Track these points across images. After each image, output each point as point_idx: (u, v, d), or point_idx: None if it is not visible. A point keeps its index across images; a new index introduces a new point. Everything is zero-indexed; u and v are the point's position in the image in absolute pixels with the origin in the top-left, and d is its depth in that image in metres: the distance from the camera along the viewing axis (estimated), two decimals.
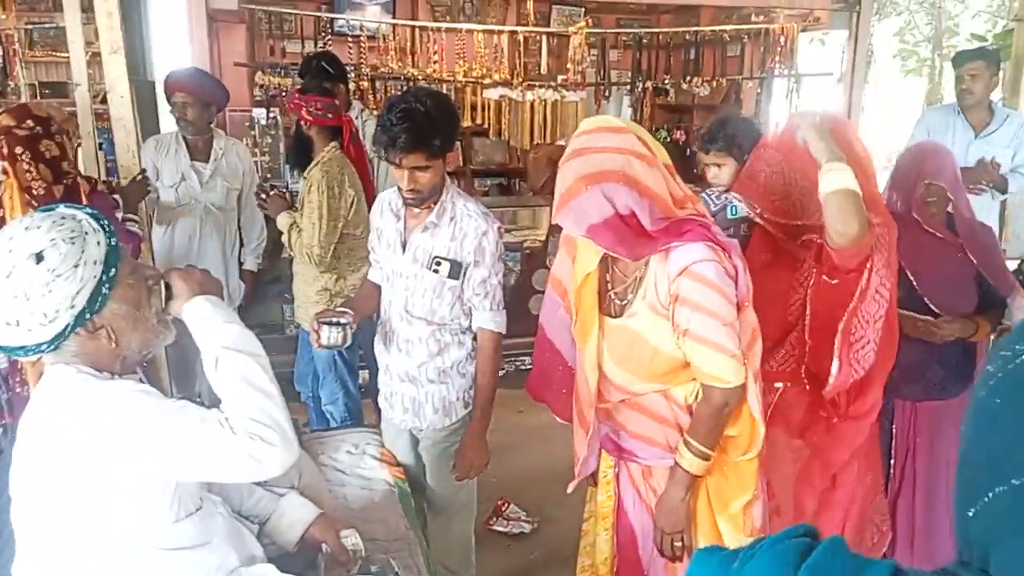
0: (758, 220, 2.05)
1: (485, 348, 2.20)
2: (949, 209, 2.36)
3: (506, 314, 2.22)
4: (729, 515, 1.78)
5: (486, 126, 5.06)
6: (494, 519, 3.28)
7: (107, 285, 1.33)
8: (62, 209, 1.37)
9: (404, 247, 2.19)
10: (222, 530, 1.55)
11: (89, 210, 1.39)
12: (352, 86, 4.77)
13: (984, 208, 3.91)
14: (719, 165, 2.55)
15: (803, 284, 1.99)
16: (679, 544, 1.77)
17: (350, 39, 4.94)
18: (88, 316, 1.33)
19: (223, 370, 1.42)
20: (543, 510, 3.29)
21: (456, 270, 2.13)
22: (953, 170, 2.37)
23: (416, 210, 2.16)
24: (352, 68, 4.80)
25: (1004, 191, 3.84)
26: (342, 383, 3.18)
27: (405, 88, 4.86)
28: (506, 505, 3.33)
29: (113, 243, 1.36)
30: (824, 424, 2.03)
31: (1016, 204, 4.57)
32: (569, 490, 1.92)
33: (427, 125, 1.98)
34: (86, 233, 1.33)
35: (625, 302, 1.73)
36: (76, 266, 1.29)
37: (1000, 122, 3.88)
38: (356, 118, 3.68)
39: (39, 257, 1.28)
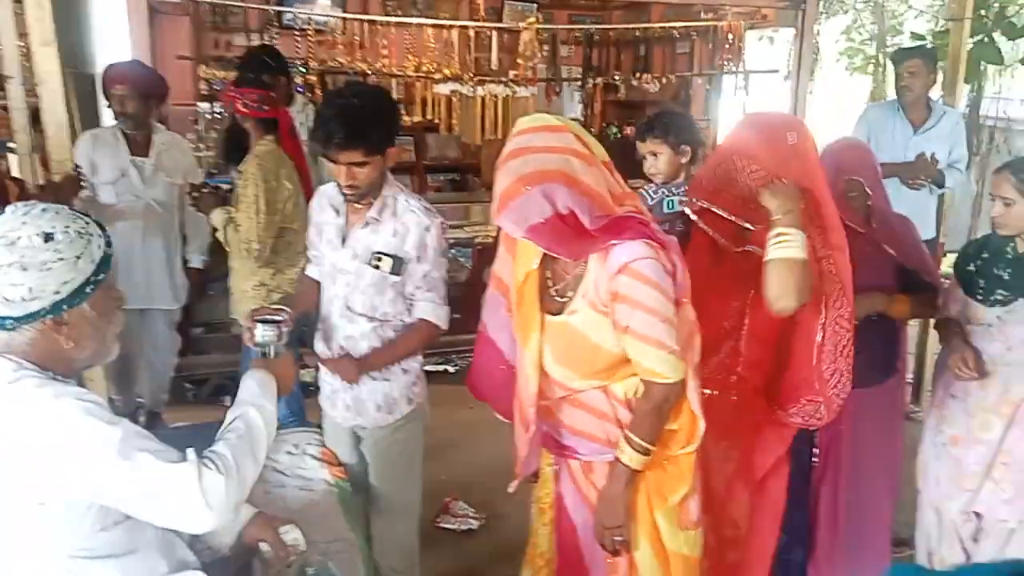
0: (703, 226, 2.04)
1: (419, 329, 2.17)
2: (869, 203, 2.40)
3: (449, 311, 2.19)
4: (667, 508, 1.80)
5: (437, 121, 5.04)
6: (441, 517, 3.27)
7: (92, 286, 1.37)
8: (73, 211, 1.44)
9: (344, 243, 2.16)
10: (151, 537, 1.51)
11: (95, 219, 1.46)
12: (300, 80, 4.73)
13: (923, 202, 4.02)
14: (655, 154, 2.57)
15: (742, 293, 2.00)
16: (619, 539, 1.78)
17: (298, 33, 4.88)
18: (64, 308, 1.35)
19: (245, 422, 1.55)
20: (492, 506, 3.28)
21: (398, 266, 2.11)
22: (872, 165, 2.42)
23: (357, 205, 2.13)
24: (300, 62, 4.74)
25: (942, 185, 3.94)
26: None
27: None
28: (454, 502, 3.32)
29: (109, 252, 1.42)
30: (750, 429, 2.05)
31: (953, 198, 4.69)
32: (510, 489, 1.91)
33: (364, 121, 1.95)
34: (92, 234, 1.39)
35: (565, 300, 1.73)
36: (79, 257, 1.35)
37: (937, 118, 3.98)
38: (300, 112, 3.63)
39: (48, 236, 1.33)
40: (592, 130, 5.76)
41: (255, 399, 1.61)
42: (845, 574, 2.66)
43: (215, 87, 4.67)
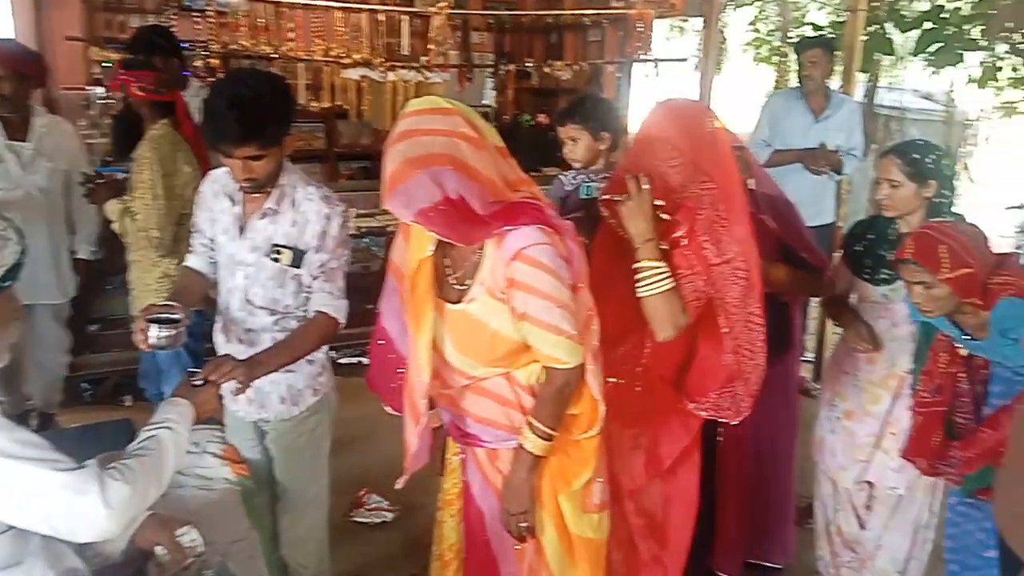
0: (610, 219, 2.03)
1: (315, 323, 2.06)
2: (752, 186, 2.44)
3: (347, 304, 2.12)
4: (570, 493, 1.81)
5: (347, 107, 4.93)
6: (355, 510, 3.22)
7: None
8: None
9: (243, 233, 2.07)
10: (36, 547, 1.45)
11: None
12: (200, 63, 4.54)
13: (822, 188, 4.19)
14: (574, 139, 2.56)
15: None
16: (524, 524, 1.79)
17: (197, 14, 4.67)
18: None
19: (157, 443, 1.53)
20: (407, 497, 3.23)
21: (299, 258, 2.04)
22: (743, 152, 2.44)
23: (255, 195, 2.04)
24: (201, 45, 4.55)
25: (840, 172, 4.10)
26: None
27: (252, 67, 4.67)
28: (367, 495, 3.27)
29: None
30: (656, 419, 2.07)
31: (851, 184, 4.90)
32: (398, 485, 1.87)
33: (258, 113, 1.85)
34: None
35: (464, 288, 1.71)
36: None
37: (837, 107, 4.14)
38: (195, 96, 3.48)
39: None
40: (505, 117, 5.78)
41: (170, 423, 1.58)
42: (751, 546, 2.76)
43: (109, 70, 4.43)
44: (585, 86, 5.89)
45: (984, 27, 4.63)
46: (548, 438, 1.73)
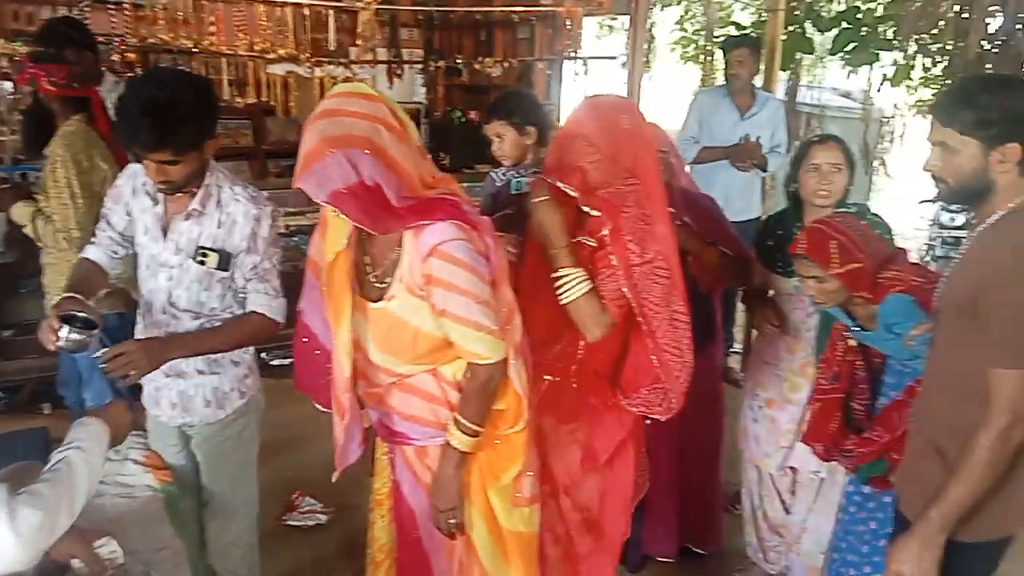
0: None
1: (249, 321, 2.01)
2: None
3: (285, 303, 2.06)
4: (500, 487, 1.81)
5: (273, 104, 4.83)
6: (287, 514, 3.17)
7: None
8: None
9: (166, 234, 2.00)
10: None
11: None
12: (117, 57, 4.38)
13: (748, 184, 4.29)
14: (499, 136, 2.55)
15: None
16: (453, 521, 1.78)
17: (112, 6, 4.50)
18: None
19: (68, 463, 1.48)
20: (342, 498, 3.21)
21: (225, 261, 1.98)
22: (670, 144, 2.52)
23: (177, 195, 1.97)
24: (116, 39, 4.39)
25: (765, 168, 4.21)
26: (110, 383, 2.90)
27: (174, 63, 4.54)
28: (300, 498, 3.22)
29: None
30: (592, 414, 2.09)
31: (775, 180, 5.04)
32: (334, 478, 1.86)
33: (174, 118, 1.76)
34: None
35: (384, 285, 1.69)
36: None
37: (761, 105, 4.26)
38: (110, 91, 3.35)
39: None
40: (436, 114, 5.75)
41: (80, 444, 1.52)
42: (683, 531, 2.81)
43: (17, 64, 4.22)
44: (516, 83, 5.92)
45: (896, 28, 4.84)
46: (474, 434, 1.72)
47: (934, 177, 1.67)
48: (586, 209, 1.90)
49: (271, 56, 4.69)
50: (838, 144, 2.40)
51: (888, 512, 2.15)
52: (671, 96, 9.60)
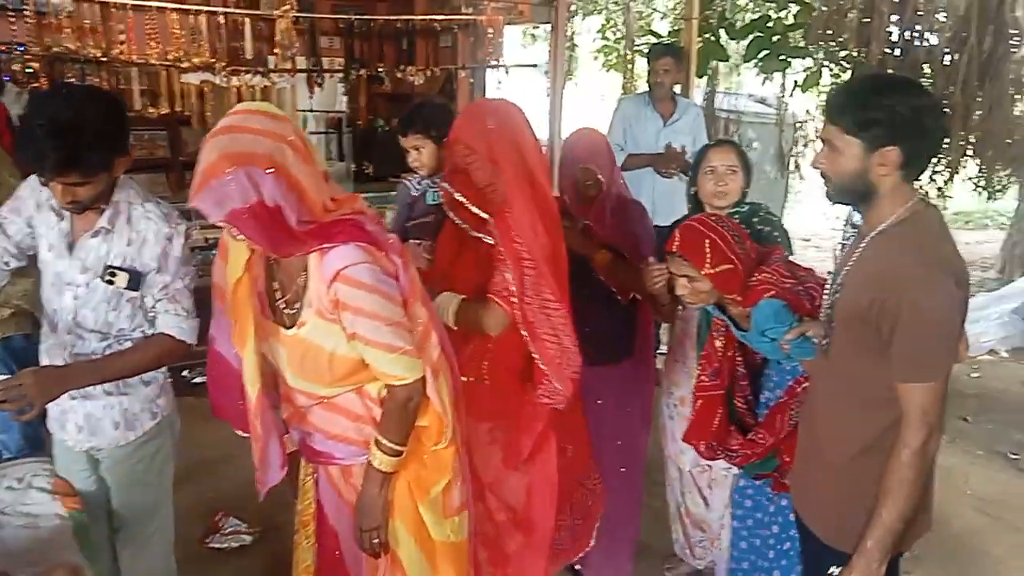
0: (448, 213, 2.06)
1: (158, 342, 1.95)
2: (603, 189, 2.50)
3: (197, 323, 2.00)
4: (429, 500, 1.78)
5: (188, 114, 4.70)
6: (210, 536, 3.07)
7: None
8: None
9: (72, 252, 1.91)
10: None
11: None
12: (18, 67, 4.19)
13: (673, 190, 4.38)
14: (418, 148, 2.56)
15: (483, 280, 2.03)
16: (376, 541, 1.75)
17: (12, 13, 4.30)
18: None
19: None
20: (267, 518, 3.13)
21: (135, 280, 1.90)
22: (607, 153, 2.55)
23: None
24: (18, 48, 4.20)
25: (687, 173, 4.29)
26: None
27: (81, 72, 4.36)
28: (223, 519, 3.12)
29: None
30: (508, 411, 2.10)
31: None
32: (260, 499, 1.81)
33: (80, 141, 1.69)
34: None
35: (294, 312, 1.65)
36: None
37: (682, 112, 4.36)
38: (13, 103, 3.20)
39: None
40: (359, 123, 5.69)
41: None
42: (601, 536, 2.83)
43: None
44: (439, 91, 5.91)
45: (804, 36, 5.03)
46: (396, 454, 1.70)
47: (822, 175, 1.66)
48: (475, 210, 1.96)
49: (185, 65, 4.56)
50: (733, 147, 2.46)
51: (787, 515, 2.19)
52: (594, 103, 9.78)
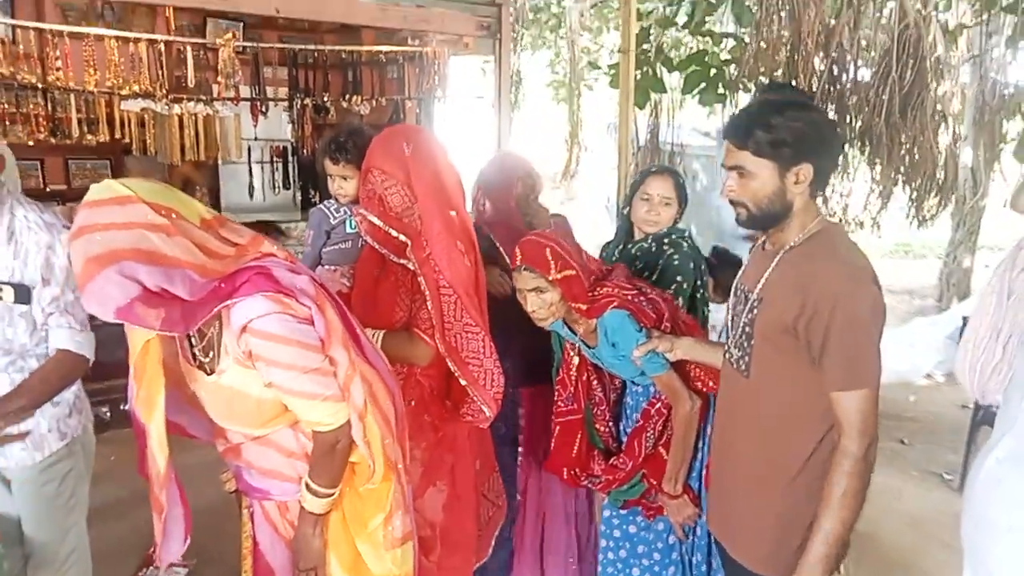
0: (367, 239, 2.05)
1: (58, 362, 1.91)
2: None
3: (93, 337, 1.97)
4: (367, 534, 1.74)
5: (128, 141, 4.65)
6: (144, 570, 3.00)
7: None
8: None
9: None
10: None
11: None
12: None
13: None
14: (345, 177, 2.54)
15: (405, 303, 2.04)
16: None
17: None
18: None
19: None
20: (203, 550, 3.05)
21: (24, 294, 1.87)
22: (529, 169, 2.58)
23: None
24: None
25: None
26: None
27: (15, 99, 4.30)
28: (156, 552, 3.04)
29: None
30: (430, 428, 2.10)
31: None
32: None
33: None
34: None
35: (212, 359, 1.61)
36: None
37: None
38: None
39: None
40: (305, 151, 5.69)
41: None
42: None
43: None
44: (388, 121, 5.95)
45: (738, 70, 5.21)
46: (328, 496, 1.66)
47: (732, 202, 1.64)
48: (394, 233, 1.96)
49: (124, 92, 4.52)
50: (672, 178, 2.50)
51: (665, 541, 2.21)
52: (540, 135, 9.95)
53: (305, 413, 1.59)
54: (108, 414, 4.24)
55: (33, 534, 2.05)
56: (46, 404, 1.96)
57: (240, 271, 1.51)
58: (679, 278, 2.39)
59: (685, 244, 2.49)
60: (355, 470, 1.71)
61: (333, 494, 1.67)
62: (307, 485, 1.66)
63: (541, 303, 2.01)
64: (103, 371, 3.96)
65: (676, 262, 2.41)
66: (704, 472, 2.14)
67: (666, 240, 2.47)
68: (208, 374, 1.62)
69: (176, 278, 1.42)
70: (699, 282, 2.48)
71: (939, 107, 4.98)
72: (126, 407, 4.28)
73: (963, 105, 6.18)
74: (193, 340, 1.64)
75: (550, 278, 1.97)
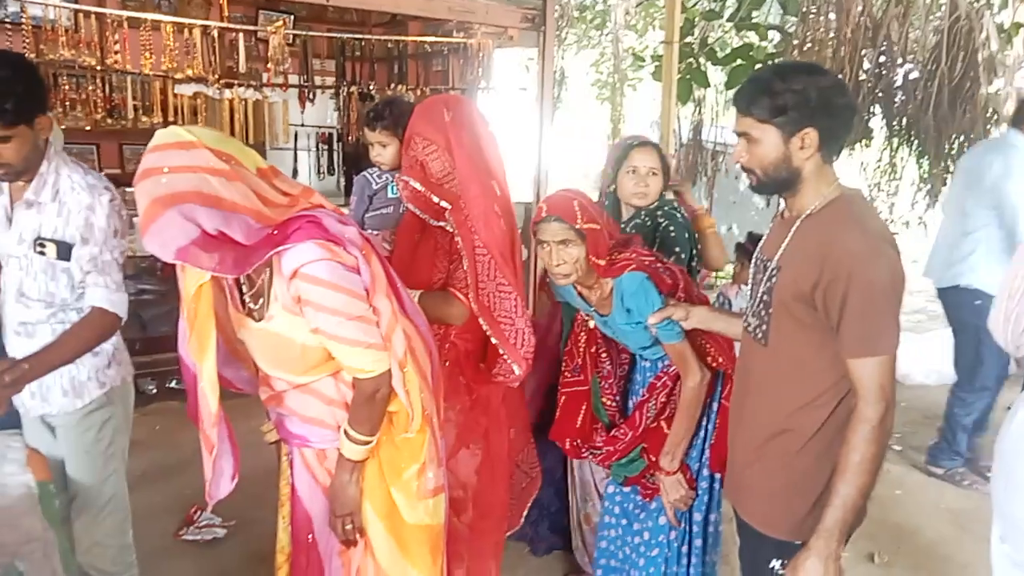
0: (408, 205, 2.11)
1: (90, 321, 1.99)
2: None
3: (127, 297, 2.05)
4: (402, 483, 1.78)
5: (181, 124, 4.79)
6: (184, 529, 3.09)
7: None
8: None
9: (12, 224, 1.98)
10: None
11: None
12: None
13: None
14: (383, 144, 2.63)
15: (444, 265, 2.10)
16: (349, 527, 1.76)
17: (9, 26, 4.42)
18: None
19: None
20: (241, 512, 3.14)
21: (64, 251, 1.95)
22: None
23: (20, 183, 1.95)
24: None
25: None
26: None
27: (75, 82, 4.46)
28: (198, 513, 3.15)
29: None
30: (464, 390, 2.14)
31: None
32: (207, 511, 1.82)
33: None
34: None
35: (261, 306, 1.67)
36: None
37: None
38: None
39: None
40: (350, 138, 5.80)
41: None
42: None
43: None
44: None
45: None
46: (365, 443, 1.71)
47: (744, 168, 1.64)
48: (435, 199, 2.01)
49: (179, 76, 4.67)
50: (655, 149, 2.49)
51: (656, 520, 2.21)
52: (581, 134, 9.93)
53: (348, 359, 1.64)
54: (155, 389, 4.37)
55: (74, 476, 2.13)
56: (87, 354, 2.03)
57: (292, 219, 1.56)
58: (677, 248, 2.39)
59: (678, 215, 2.49)
60: (392, 420, 1.76)
61: (371, 442, 1.72)
62: (346, 432, 1.70)
63: (567, 256, 2.02)
64: (150, 345, 4.14)
65: (673, 234, 2.42)
66: (708, 454, 2.16)
67: (659, 212, 2.47)
68: (257, 321, 1.68)
69: (233, 222, 1.48)
70: (693, 251, 2.49)
71: (990, 105, 4.89)
72: (170, 384, 4.40)
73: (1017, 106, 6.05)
74: (244, 287, 1.71)
75: (577, 226, 1.99)
